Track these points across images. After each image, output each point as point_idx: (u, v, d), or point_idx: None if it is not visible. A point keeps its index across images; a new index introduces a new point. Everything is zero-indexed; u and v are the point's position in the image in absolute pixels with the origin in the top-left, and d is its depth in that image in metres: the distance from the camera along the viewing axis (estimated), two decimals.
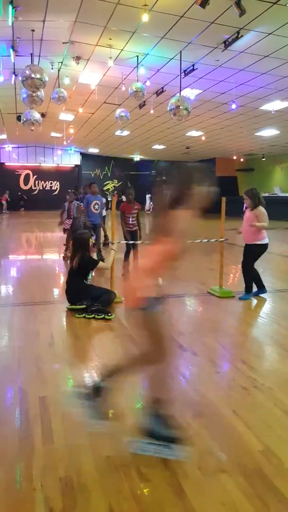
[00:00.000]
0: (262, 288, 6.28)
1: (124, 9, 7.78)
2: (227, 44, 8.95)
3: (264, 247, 6.13)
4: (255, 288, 6.28)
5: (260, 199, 6.11)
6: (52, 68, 11.03)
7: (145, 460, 2.40)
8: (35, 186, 31.68)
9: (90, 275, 5.92)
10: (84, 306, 5.28)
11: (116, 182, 32.35)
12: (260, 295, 6.27)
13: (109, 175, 32.70)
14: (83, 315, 5.18)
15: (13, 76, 10.43)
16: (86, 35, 9.23)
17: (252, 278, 6.21)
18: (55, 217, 12.95)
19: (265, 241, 6.10)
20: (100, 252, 9.05)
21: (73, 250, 5.75)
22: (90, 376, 3.55)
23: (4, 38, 8.99)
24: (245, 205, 6.25)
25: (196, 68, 10.61)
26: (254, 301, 6.10)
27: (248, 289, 6.20)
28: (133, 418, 2.78)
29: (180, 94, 10.52)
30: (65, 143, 24.86)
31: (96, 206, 8.93)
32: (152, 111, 14.55)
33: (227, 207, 6.33)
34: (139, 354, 2.65)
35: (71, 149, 30.08)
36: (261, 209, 6.03)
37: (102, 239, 9.94)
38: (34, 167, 31.09)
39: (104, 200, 10.89)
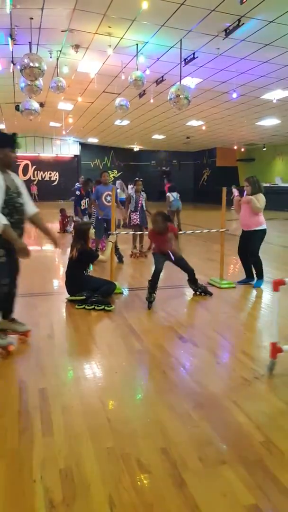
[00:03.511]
0: (251, 278, 6.38)
1: None
2: (228, 32, 8.85)
3: (264, 232, 6.20)
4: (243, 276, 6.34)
5: (260, 186, 6.20)
6: (50, 57, 10.92)
7: (146, 451, 2.40)
8: (34, 176, 31.55)
9: (90, 266, 5.90)
10: (84, 297, 5.26)
11: (116, 172, 32.21)
12: (253, 284, 6.32)
13: (108, 165, 32.55)
14: (83, 306, 5.17)
15: (12, 65, 10.31)
16: (85, 23, 9.11)
17: (260, 264, 6.24)
18: (54, 207, 12.91)
19: (265, 226, 6.19)
20: (118, 250, 7.86)
21: (73, 241, 5.72)
22: (90, 367, 3.54)
23: (2, 27, 8.87)
24: (245, 192, 6.26)
25: (197, 57, 10.50)
26: (255, 292, 6.08)
27: (260, 275, 6.25)
28: None
29: (180, 83, 10.41)
30: (64, 132, 24.71)
31: (109, 198, 7.90)
32: (152, 100, 14.45)
33: (228, 197, 6.30)
34: None
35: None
36: (261, 195, 6.12)
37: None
38: (33, 157, 30.94)
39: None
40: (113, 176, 31.75)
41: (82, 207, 9.89)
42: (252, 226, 6.13)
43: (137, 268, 7.95)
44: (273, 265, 7.76)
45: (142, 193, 8.97)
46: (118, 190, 12.47)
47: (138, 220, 8.82)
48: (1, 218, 3.39)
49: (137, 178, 9.36)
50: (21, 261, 3.87)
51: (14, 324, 4.07)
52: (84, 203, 9.88)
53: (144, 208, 8.91)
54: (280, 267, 7.90)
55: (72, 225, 9.68)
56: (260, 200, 6.05)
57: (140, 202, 8.86)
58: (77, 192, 9.64)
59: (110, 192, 7.73)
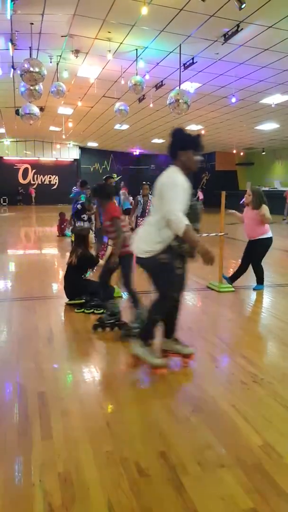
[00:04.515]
0: (234, 279, 6.43)
1: (123, 2, 7.72)
2: (227, 37, 8.89)
3: (270, 240, 6.30)
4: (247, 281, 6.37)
5: (264, 200, 6.22)
6: (50, 62, 10.97)
7: (145, 454, 2.40)
8: (33, 180, 31.60)
9: (89, 270, 5.90)
10: (83, 301, 5.27)
11: (115, 176, 32.22)
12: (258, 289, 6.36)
13: (108, 169, 32.58)
14: (82, 310, 5.17)
15: (12, 69, 10.36)
16: (85, 28, 9.16)
17: (260, 271, 6.33)
18: (54, 211, 12.90)
19: (270, 234, 6.28)
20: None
21: (73, 246, 5.74)
22: (89, 371, 3.54)
23: (2, 32, 8.92)
24: (244, 200, 6.31)
25: (196, 62, 10.55)
26: (254, 296, 6.09)
27: (260, 280, 6.33)
28: None
29: (179, 87, 10.46)
30: (64, 137, 24.76)
31: None
32: (151, 105, 14.50)
33: (227, 201, 6.32)
34: None
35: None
36: (266, 207, 6.16)
37: None
38: (33, 161, 31.01)
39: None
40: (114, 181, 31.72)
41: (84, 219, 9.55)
42: (257, 235, 6.23)
43: (138, 272, 7.94)
44: (272, 269, 7.77)
45: (150, 197, 8.48)
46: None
47: None
48: (183, 218, 3.06)
49: (144, 182, 9.01)
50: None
51: (177, 345, 3.70)
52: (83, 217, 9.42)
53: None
54: (280, 271, 7.91)
55: (71, 229, 9.50)
56: (267, 214, 6.12)
57: (148, 207, 8.38)
58: (79, 206, 8.83)
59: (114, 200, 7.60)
